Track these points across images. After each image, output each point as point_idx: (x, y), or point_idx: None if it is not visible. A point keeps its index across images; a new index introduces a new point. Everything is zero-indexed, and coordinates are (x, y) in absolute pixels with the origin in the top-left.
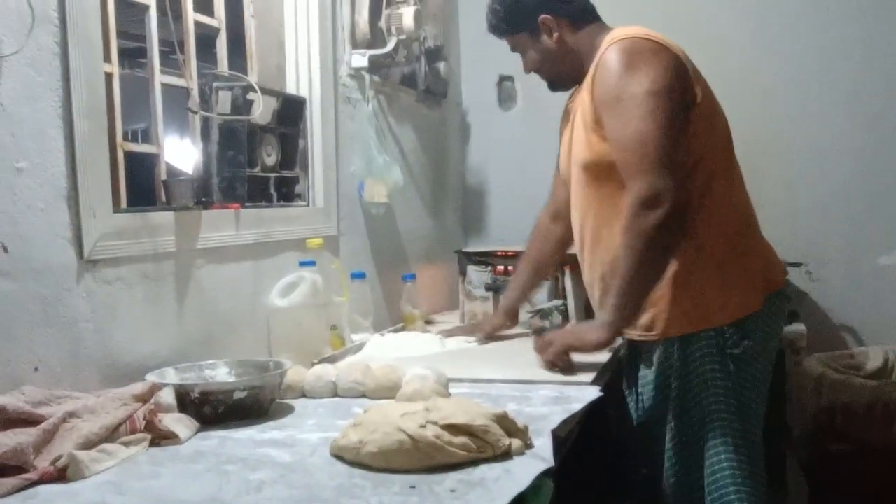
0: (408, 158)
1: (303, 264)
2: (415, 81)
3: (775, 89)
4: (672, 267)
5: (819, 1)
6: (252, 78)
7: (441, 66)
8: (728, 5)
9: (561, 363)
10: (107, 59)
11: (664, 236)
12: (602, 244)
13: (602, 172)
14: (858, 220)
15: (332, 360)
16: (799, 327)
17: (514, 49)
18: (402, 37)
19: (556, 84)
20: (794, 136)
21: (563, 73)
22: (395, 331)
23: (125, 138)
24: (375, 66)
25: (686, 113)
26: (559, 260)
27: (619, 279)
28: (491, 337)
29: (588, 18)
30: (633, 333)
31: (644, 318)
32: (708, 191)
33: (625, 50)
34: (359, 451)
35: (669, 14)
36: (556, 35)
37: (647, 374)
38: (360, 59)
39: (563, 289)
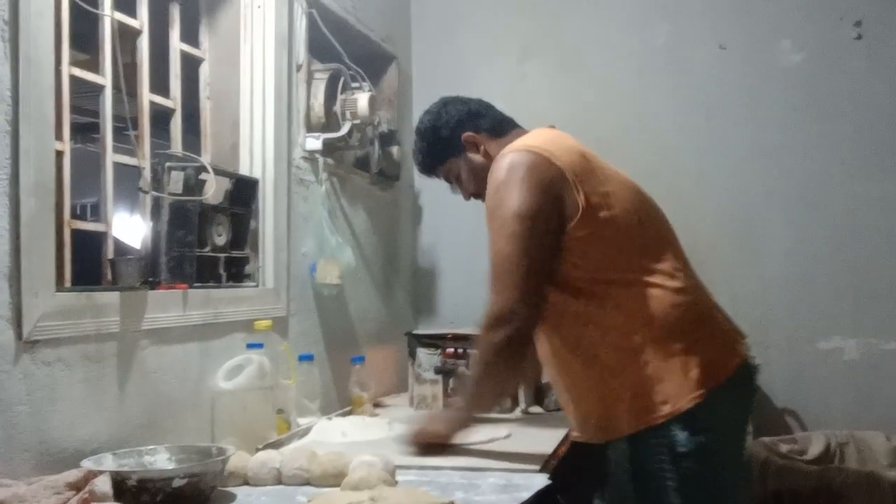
0: (360, 240)
1: (250, 346)
2: (368, 164)
3: (718, 182)
4: (606, 370)
5: (756, 101)
6: (206, 158)
7: (394, 149)
8: (672, 106)
9: (416, 448)
10: (58, 136)
11: (507, 353)
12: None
13: None
14: (798, 307)
15: (277, 444)
16: None
17: (448, 179)
18: (357, 121)
19: None
20: (734, 228)
21: None
22: (343, 414)
23: (74, 213)
24: (329, 148)
25: (561, 230)
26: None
27: (468, 383)
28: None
29: (506, 128)
30: (591, 438)
31: (595, 422)
32: (626, 292)
33: (504, 165)
34: None
35: (614, 111)
36: (482, 148)
37: (612, 473)
38: (315, 142)
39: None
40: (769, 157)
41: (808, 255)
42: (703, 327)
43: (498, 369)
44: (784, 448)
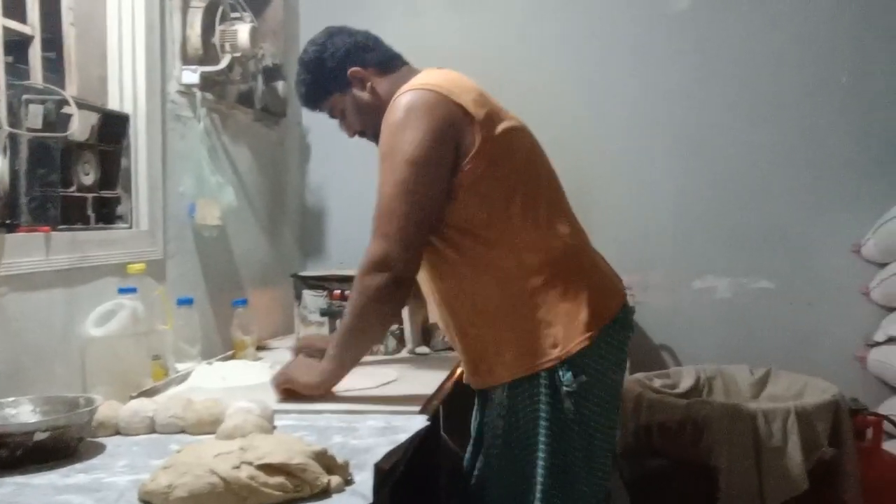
0: (243, 179)
1: (122, 291)
2: (251, 100)
3: (605, 130)
4: (498, 315)
5: (647, 45)
6: (70, 90)
7: (280, 84)
8: (564, 48)
9: (283, 394)
10: None
11: (382, 301)
12: (434, 286)
13: None
14: (676, 248)
15: (152, 392)
16: None
17: (332, 114)
18: (237, 54)
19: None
20: (621, 171)
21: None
22: (225, 359)
23: None
24: (208, 82)
25: (454, 175)
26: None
27: (339, 331)
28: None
29: (395, 64)
30: (481, 384)
31: (482, 368)
32: (519, 236)
33: (402, 105)
34: (168, 497)
35: (507, 50)
36: (369, 85)
37: (489, 415)
38: (191, 76)
39: (399, 314)
40: (657, 101)
41: (689, 198)
42: (589, 271)
43: (372, 316)
44: (658, 383)
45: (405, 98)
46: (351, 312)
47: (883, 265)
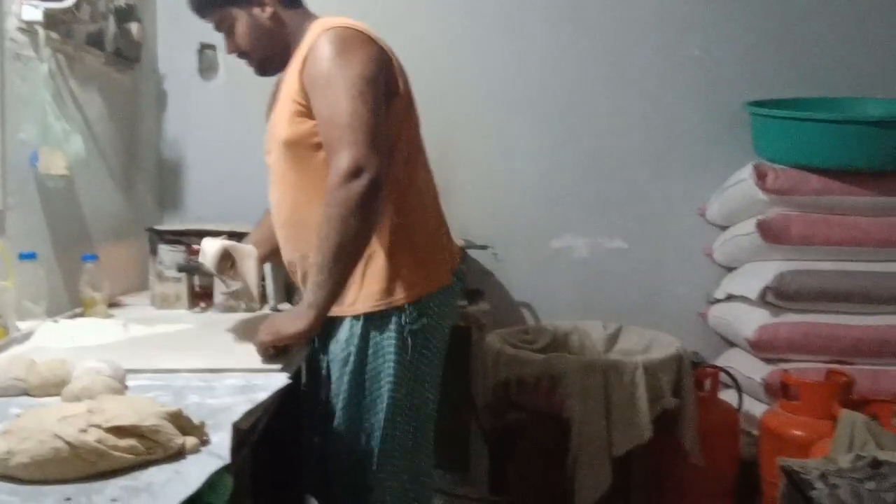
0: (93, 127)
1: None
2: (102, 42)
3: (471, 93)
4: (369, 247)
5: (511, 13)
6: None
7: (133, 27)
8: (433, 17)
9: (270, 357)
10: None
11: (366, 206)
12: (303, 224)
13: (303, 151)
14: (537, 208)
15: None
16: (484, 306)
17: (219, 27)
18: None
19: (266, 66)
20: (484, 133)
21: (275, 53)
22: (73, 317)
23: None
24: (53, 20)
25: (388, 102)
26: None
27: (320, 255)
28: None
29: (299, 2)
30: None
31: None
32: (404, 176)
33: (338, 37)
34: (7, 464)
35: (374, 11)
36: (269, 10)
37: (334, 349)
38: (34, 12)
39: (262, 270)
40: (521, 67)
41: (550, 161)
42: (440, 230)
43: (355, 227)
44: (517, 339)
45: (338, 31)
46: (333, 229)
47: (724, 228)
